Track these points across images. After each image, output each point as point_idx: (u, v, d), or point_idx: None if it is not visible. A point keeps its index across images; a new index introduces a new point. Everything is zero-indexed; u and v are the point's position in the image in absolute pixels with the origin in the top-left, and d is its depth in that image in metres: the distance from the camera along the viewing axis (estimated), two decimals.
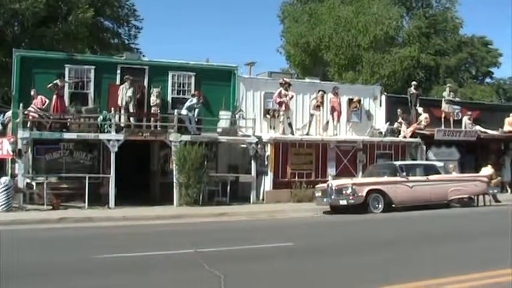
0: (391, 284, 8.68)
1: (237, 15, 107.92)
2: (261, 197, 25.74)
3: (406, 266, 10.45)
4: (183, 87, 26.77)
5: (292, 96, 27.06)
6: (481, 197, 25.10)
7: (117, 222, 19.23)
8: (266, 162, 25.88)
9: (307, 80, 31.65)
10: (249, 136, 25.85)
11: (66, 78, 24.42)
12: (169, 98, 26.42)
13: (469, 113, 32.51)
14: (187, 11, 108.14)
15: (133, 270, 10.25)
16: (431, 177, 23.39)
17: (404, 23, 45.23)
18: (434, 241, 13.72)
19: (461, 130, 31.33)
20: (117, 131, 23.34)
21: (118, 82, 25.35)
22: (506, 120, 33.73)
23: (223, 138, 25.44)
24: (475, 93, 42.77)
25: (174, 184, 23.59)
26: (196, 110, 25.37)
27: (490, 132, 32.44)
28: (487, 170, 26.63)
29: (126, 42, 42.53)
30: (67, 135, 23.01)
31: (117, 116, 23.96)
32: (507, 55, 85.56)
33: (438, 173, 24.06)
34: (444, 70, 44.63)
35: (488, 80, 50.31)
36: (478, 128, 32.12)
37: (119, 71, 25.65)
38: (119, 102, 24.41)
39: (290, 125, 27.22)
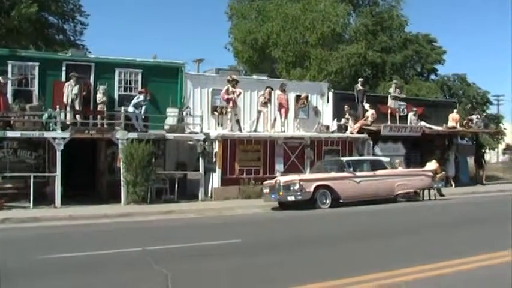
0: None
1: (186, 12, 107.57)
2: (209, 194, 25.70)
3: (349, 261, 10.57)
4: (130, 84, 26.51)
5: (239, 93, 27.08)
6: (426, 191, 25.65)
7: (64, 221, 18.93)
8: (214, 159, 25.85)
9: (254, 76, 31.71)
10: (196, 133, 25.77)
11: (10, 75, 23.93)
12: (115, 95, 26.14)
13: (415, 109, 33.10)
14: (134, 7, 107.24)
15: (80, 270, 10.12)
16: (377, 172, 23.75)
17: (351, 20, 45.55)
18: (380, 235, 13.95)
19: (407, 126, 31.90)
20: (62, 129, 22.99)
21: (63, 79, 24.90)
22: (450, 116, 34.49)
23: (170, 136, 25.30)
24: (421, 90, 43.32)
25: (122, 182, 23.35)
26: (144, 107, 25.14)
27: (435, 127, 33.09)
28: (432, 165, 27.10)
29: (72, 38, 41.83)
30: (10, 134, 22.47)
31: (62, 114, 23.61)
32: (451, 52, 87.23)
33: (384, 168, 24.45)
34: (390, 67, 45.08)
35: (433, 76, 50.99)
36: (423, 123, 32.75)
37: (64, 68, 25.21)
38: (65, 100, 24.01)
39: (238, 121, 27.24)
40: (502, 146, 70.04)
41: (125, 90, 26.39)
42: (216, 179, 25.81)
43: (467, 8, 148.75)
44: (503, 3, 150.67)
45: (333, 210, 21.20)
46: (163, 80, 27.13)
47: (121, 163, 23.45)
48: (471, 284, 8.69)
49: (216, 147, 25.86)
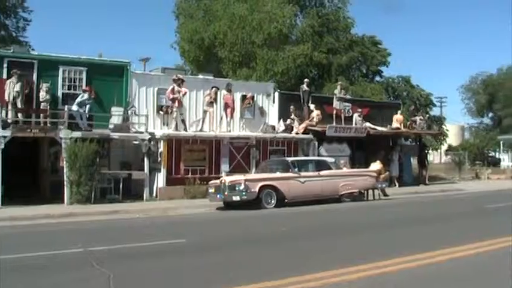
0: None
1: (133, 11, 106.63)
2: (154, 194, 25.56)
3: (291, 261, 10.63)
4: (74, 82, 26.18)
5: (185, 93, 26.98)
6: (370, 191, 25.98)
7: (5, 222, 18.47)
8: (159, 159, 25.71)
9: (200, 76, 31.66)
10: (141, 132, 25.60)
11: None
12: (59, 94, 25.78)
13: (360, 110, 33.53)
14: (81, 4, 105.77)
15: (20, 272, 9.89)
16: (322, 172, 23.93)
17: (297, 21, 45.83)
18: (323, 235, 14.07)
19: (352, 127, 32.27)
20: (3, 127, 22.57)
21: (5, 76, 24.46)
22: (395, 117, 35.06)
23: (115, 135, 25.04)
24: (366, 91, 43.87)
25: (65, 182, 23.01)
26: (88, 106, 24.85)
27: (379, 128, 33.57)
28: (376, 165, 27.47)
29: (14, 34, 41.06)
30: None
31: (4, 112, 23.15)
32: (395, 54, 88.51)
33: (329, 168, 24.66)
34: (336, 68, 45.52)
35: (378, 78, 51.79)
36: (367, 124, 33.18)
37: (5, 65, 24.75)
38: (6, 97, 23.59)
39: (183, 121, 27.14)
40: (444, 147, 71.52)
41: (69, 88, 26.04)
42: (161, 178, 25.67)
43: (411, 12, 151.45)
44: (446, 8, 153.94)
45: (278, 210, 21.28)
46: (109, 79, 26.88)
47: (64, 162, 23.10)
48: (415, 282, 8.84)
49: (161, 147, 25.73)
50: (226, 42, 40.93)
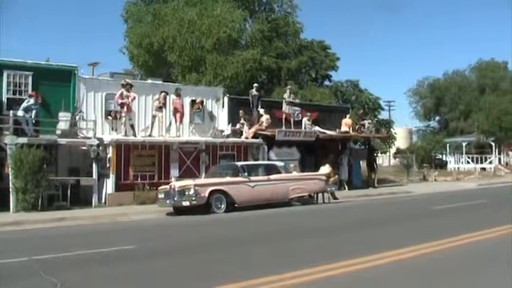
0: None
1: (82, 16, 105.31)
2: (103, 200, 25.22)
3: (239, 265, 10.63)
4: (20, 87, 25.61)
5: (134, 98, 26.74)
6: (320, 195, 26.14)
7: None
8: (108, 165, 25.40)
9: (149, 81, 31.43)
10: (89, 138, 25.28)
11: None
12: (4, 99, 25.15)
13: (309, 114, 33.72)
14: (28, 8, 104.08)
15: None
16: (272, 176, 24.00)
17: (247, 26, 45.95)
18: (272, 239, 14.11)
19: (301, 131, 32.45)
20: None
21: None
22: (343, 121, 35.39)
23: (62, 141, 24.64)
24: (315, 95, 44.21)
25: (11, 189, 22.52)
26: (34, 111, 24.40)
27: (328, 132, 33.83)
28: (325, 169, 27.69)
29: None
30: None
31: None
32: (344, 59, 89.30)
33: (279, 172, 24.74)
34: (285, 72, 45.81)
35: (327, 82, 52.26)
36: (317, 128, 33.41)
37: None
38: None
39: (132, 126, 26.87)
40: (393, 150, 72.54)
41: (14, 93, 25.47)
42: (110, 184, 25.37)
43: (361, 17, 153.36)
44: (394, 14, 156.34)
45: (228, 215, 21.26)
46: (56, 84, 26.38)
47: (10, 169, 22.64)
48: (360, 285, 8.92)
49: (110, 153, 25.43)
50: (175, 46, 40.76)
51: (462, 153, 66.92)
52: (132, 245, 13.44)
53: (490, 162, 63.65)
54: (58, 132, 24.81)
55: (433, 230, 14.92)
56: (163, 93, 28.14)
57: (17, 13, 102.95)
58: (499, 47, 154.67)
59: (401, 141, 77.07)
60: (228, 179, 23.09)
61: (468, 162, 65.25)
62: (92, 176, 24.95)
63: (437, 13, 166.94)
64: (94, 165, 24.91)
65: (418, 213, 20.96)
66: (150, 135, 27.39)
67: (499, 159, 65.32)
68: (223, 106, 31.68)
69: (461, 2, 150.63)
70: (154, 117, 28.00)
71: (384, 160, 71.14)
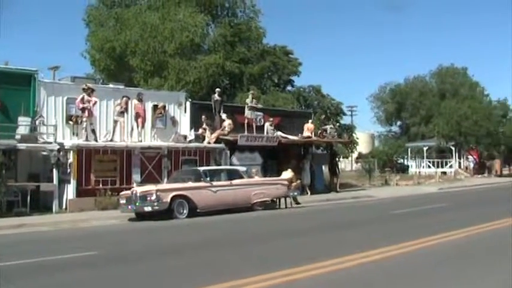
0: None
1: (43, 19, 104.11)
2: (64, 206, 24.90)
3: (200, 271, 10.63)
4: None
5: (95, 102, 26.50)
6: (282, 200, 26.22)
7: None
8: (69, 170, 25.10)
9: (111, 85, 31.16)
10: (50, 143, 24.98)
11: None
12: None
13: (271, 119, 33.78)
14: None
15: None
16: (234, 181, 24.04)
17: (210, 30, 45.91)
18: (234, 244, 14.14)
19: (263, 136, 32.51)
20: None
21: None
22: (306, 126, 35.56)
23: (22, 146, 24.28)
24: (277, 100, 44.31)
25: None
26: None
27: (291, 137, 33.96)
28: (288, 174, 27.76)
29: None
30: None
31: None
32: (306, 64, 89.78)
33: (241, 177, 24.80)
34: (248, 78, 45.84)
35: (289, 87, 52.45)
36: (279, 133, 33.50)
37: None
38: None
39: (93, 131, 26.61)
40: (355, 155, 73.07)
41: None
42: (71, 190, 25.07)
43: (323, 23, 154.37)
44: (355, 19, 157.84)
45: (190, 220, 21.23)
46: (15, 88, 25.96)
47: None
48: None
49: (71, 158, 25.14)
50: (137, 51, 40.53)
51: (423, 158, 67.78)
52: (93, 251, 13.34)
53: (451, 167, 64.53)
54: (17, 137, 24.46)
55: (393, 233, 15.11)
56: (125, 98, 27.95)
57: None
58: (459, 53, 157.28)
59: (363, 146, 77.66)
60: (190, 184, 23.02)
61: (429, 167, 66.08)
62: (52, 181, 24.63)
63: (398, 19, 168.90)
64: (54, 170, 24.61)
65: (378, 217, 21.19)
66: (111, 140, 27.14)
67: (459, 163, 66.22)
68: (185, 111, 31.58)
69: (422, 8, 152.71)
70: (116, 122, 27.79)
71: (346, 165, 71.65)
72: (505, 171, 64.67)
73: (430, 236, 13.62)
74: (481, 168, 63.52)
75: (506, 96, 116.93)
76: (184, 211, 21.91)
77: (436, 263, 10.85)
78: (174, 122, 30.77)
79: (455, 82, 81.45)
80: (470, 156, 66.59)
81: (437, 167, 64.86)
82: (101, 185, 25.72)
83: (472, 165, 65.85)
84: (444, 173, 61.48)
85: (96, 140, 26.50)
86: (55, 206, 24.45)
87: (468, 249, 12.45)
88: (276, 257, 11.80)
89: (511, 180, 52.82)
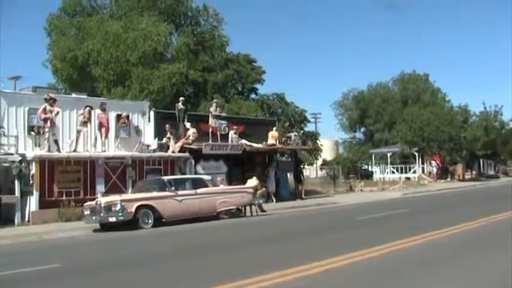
0: None
1: (3, 28, 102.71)
2: (26, 219, 24.52)
3: (168, 282, 10.59)
4: None
5: (57, 112, 26.20)
6: (248, 208, 26.20)
7: None
8: (31, 182, 24.75)
9: (73, 95, 30.92)
10: (11, 154, 24.64)
11: None
12: None
13: (235, 127, 33.75)
14: None
15: None
16: (199, 190, 23.94)
17: (173, 39, 45.87)
18: (199, 253, 14.08)
19: (228, 144, 32.46)
20: None
21: None
22: (270, 133, 35.61)
23: None
24: (241, 109, 44.40)
25: None
26: None
27: (255, 145, 33.97)
28: (253, 182, 27.77)
29: None
30: None
31: None
32: (270, 72, 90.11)
33: (206, 186, 24.72)
34: (212, 86, 45.88)
35: (253, 95, 52.60)
36: (243, 141, 33.48)
37: None
38: None
39: (56, 142, 26.28)
40: (319, 162, 73.38)
41: None
42: (33, 202, 24.70)
43: (286, 31, 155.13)
44: (317, 27, 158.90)
45: (156, 230, 21.10)
46: None
47: None
48: None
49: (33, 169, 24.81)
50: (100, 60, 40.31)
51: (387, 164, 68.33)
52: (57, 263, 13.18)
53: (414, 172, 65.17)
54: None
55: (357, 240, 15.21)
56: (88, 108, 27.67)
57: None
58: (420, 60, 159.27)
59: (327, 153, 78.06)
60: (155, 193, 22.87)
61: (393, 172, 66.69)
62: (14, 193, 24.28)
63: (361, 26, 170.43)
64: (16, 182, 24.27)
65: (343, 224, 21.32)
66: (74, 151, 26.84)
67: (423, 168, 66.91)
68: (149, 120, 31.42)
69: (384, 16, 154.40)
70: (79, 132, 27.49)
71: (311, 172, 71.84)
72: (467, 176, 65.54)
73: (394, 241, 13.72)
74: (444, 173, 64.27)
75: (467, 102, 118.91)
76: (150, 221, 21.76)
77: (397, 268, 10.96)
78: (137, 131, 30.56)
79: (417, 89, 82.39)
80: (433, 162, 67.36)
81: (401, 172, 65.50)
82: (64, 196, 25.40)
83: (435, 170, 66.54)
84: (408, 178, 62.04)
85: (59, 151, 26.18)
86: (17, 218, 24.07)
87: (429, 254, 12.55)
88: (239, 266, 11.85)
89: (473, 184, 53.87)
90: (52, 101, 26.01)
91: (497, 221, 18.44)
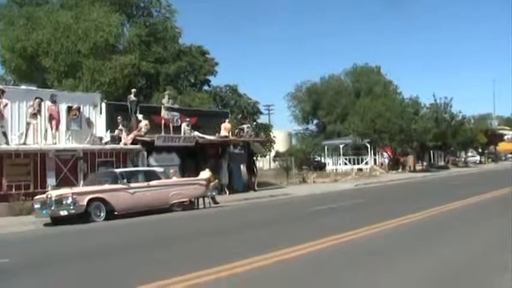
0: None
1: None
2: None
3: (118, 275, 10.52)
4: None
5: (6, 104, 25.71)
6: (201, 200, 26.18)
7: None
8: None
9: (23, 87, 30.39)
10: None
11: None
12: None
13: (188, 119, 33.60)
14: None
15: None
16: (152, 183, 23.87)
17: (125, 30, 45.48)
18: (151, 246, 14.01)
19: (181, 136, 32.33)
20: None
21: None
22: (223, 125, 35.62)
23: None
24: (194, 100, 44.30)
25: None
26: None
27: (208, 137, 33.93)
28: (205, 174, 27.71)
29: None
30: None
31: None
32: (223, 64, 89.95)
33: (159, 178, 24.64)
34: (164, 78, 45.67)
35: (206, 87, 52.55)
36: (196, 133, 33.39)
37: None
38: None
39: (5, 134, 25.80)
40: (273, 153, 73.67)
41: None
42: None
43: (239, 22, 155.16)
44: (270, 19, 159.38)
45: (108, 223, 20.96)
46: None
47: None
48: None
49: None
50: (50, 51, 39.70)
51: (340, 155, 68.87)
52: (5, 258, 12.93)
53: (366, 163, 65.86)
54: None
55: (308, 231, 15.33)
56: (37, 100, 27.23)
57: None
58: (372, 52, 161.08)
59: (281, 145, 78.40)
60: (106, 186, 22.69)
61: (346, 164, 67.22)
62: None
63: (314, 19, 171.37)
64: None
65: (294, 215, 21.49)
66: (24, 143, 26.40)
67: (375, 160, 67.65)
68: (101, 112, 31.06)
69: (337, 8, 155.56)
70: (28, 124, 27.02)
71: (264, 163, 72.05)
72: (418, 167, 66.46)
73: (343, 233, 13.82)
74: (395, 164, 65.04)
75: (418, 94, 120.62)
76: (102, 214, 21.61)
77: (349, 259, 11.07)
78: (89, 123, 30.14)
79: (369, 81, 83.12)
80: (385, 153, 68.14)
81: (354, 164, 66.08)
82: (13, 190, 25.00)
83: (387, 161, 67.36)
84: (360, 169, 62.70)
85: (8, 143, 25.73)
86: None
87: (375, 245, 12.69)
88: (194, 257, 11.84)
89: (423, 175, 54.81)
90: (0, 93, 25.54)
91: (441, 212, 18.70)
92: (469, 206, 20.61)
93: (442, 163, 79.23)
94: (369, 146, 65.67)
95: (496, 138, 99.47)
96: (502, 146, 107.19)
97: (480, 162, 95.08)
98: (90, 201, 21.39)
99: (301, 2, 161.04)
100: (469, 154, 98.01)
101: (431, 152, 76.66)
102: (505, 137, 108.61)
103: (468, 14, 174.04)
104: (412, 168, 63.69)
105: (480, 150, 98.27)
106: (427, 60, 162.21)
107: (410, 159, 65.95)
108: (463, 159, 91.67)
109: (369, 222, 15.66)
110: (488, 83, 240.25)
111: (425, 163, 72.06)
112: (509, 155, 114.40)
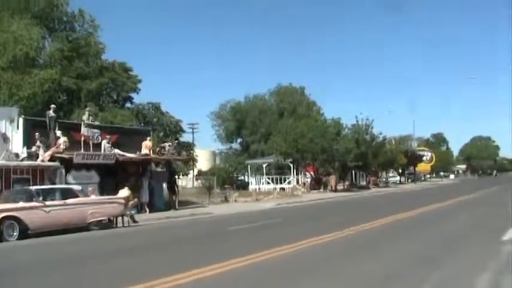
0: None
1: None
2: None
3: None
4: None
5: None
6: (119, 218, 25.81)
7: None
8: None
9: None
10: None
11: None
12: None
13: (108, 136, 33.17)
14: None
15: None
16: (69, 201, 23.38)
17: (46, 44, 44.72)
18: (66, 266, 13.72)
19: (100, 153, 31.86)
20: None
21: None
22: (144, 143, 35.34)
23: None
24: (116, 117, 43.86)
25: None
26: None
27: (128, 155, 33.52)
28: (124, 192, 27.37)
29: None
30: None
31: None
32: (146, 81, 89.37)
33: (77, 196, 24.14)
34: (86, 94, 45.08)
35: (128, 104, 52.13)
36: (116, 151, 32.95)
37: None
38: None
39: None
40: (195, 172, 73.47)
41: None
42: None
43: (163, 39, 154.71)
44: (198, 35, 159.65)
45: (21, 242, 20.31)
46: None
47: None
48: None
49: None
50: None
51: (263, 174, 69.22)
52: None
53: (289, 183, 66.37)
54: None
55: (226, 249, 15.32)
56: None
57: None
58: (296, 73, 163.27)
59: (204, 164, 78.36)
60: (21, 204, 22.02)
61: (268, 183, 67.56)
62: None
63: (241, 37, 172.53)
64: None
65: (213, 233, 21.51)
66: None
67: (297, 179, 68.27)
68: (18, 128, 30.31)
69: (265, 26, 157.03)
70: None
71: (187, 182, 71.77)
72: (340, 187, 67.38)
73: (261, 252, 13.86)
74: (317, 183, 65.77)
75: (340, 115, 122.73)
76: (15, 233, 20.95)
77: (260, 278, 11.09)
78: (5, 139, 29.36)
79: (293, 101, 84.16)
80: (307, 173, 68.86)
81: (276, 183, 66.51)
82: None
83: (309, 181, 68.08)
84: (283, 189, 63.10)
85: None
86: None
87: (292, 265, 12.77)
88: (110, 276, 11.69)
89: (344, 195, 55.59)
90: None
91: (360, 232, 18.97)
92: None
93: (363, 183, 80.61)
94: (291, 165, 66.25)
95: (415, 159, 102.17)
96: (420, 167, 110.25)
97: (400, 182, 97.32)
98: (2, 219, 20.67)
99: (226, 20, 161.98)
100: (390, 174, 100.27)
101: (353, 172, 77.94)
102: (424, 158, 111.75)
103: (387, 39, 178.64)
104: (333, 188, 64.50)
105: (400, 170, 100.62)
106: (350, 83, 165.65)
107: (332, 179, 66.79)
108: (384, 180, 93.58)
109: (284, 242, 15.72)
110: (409, 105, 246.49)
111: (347, 183, 73.18)
112: (428, 176, 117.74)
